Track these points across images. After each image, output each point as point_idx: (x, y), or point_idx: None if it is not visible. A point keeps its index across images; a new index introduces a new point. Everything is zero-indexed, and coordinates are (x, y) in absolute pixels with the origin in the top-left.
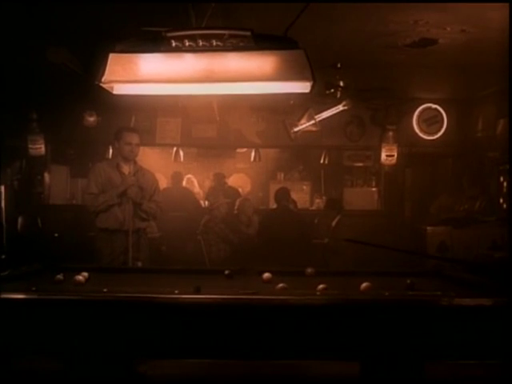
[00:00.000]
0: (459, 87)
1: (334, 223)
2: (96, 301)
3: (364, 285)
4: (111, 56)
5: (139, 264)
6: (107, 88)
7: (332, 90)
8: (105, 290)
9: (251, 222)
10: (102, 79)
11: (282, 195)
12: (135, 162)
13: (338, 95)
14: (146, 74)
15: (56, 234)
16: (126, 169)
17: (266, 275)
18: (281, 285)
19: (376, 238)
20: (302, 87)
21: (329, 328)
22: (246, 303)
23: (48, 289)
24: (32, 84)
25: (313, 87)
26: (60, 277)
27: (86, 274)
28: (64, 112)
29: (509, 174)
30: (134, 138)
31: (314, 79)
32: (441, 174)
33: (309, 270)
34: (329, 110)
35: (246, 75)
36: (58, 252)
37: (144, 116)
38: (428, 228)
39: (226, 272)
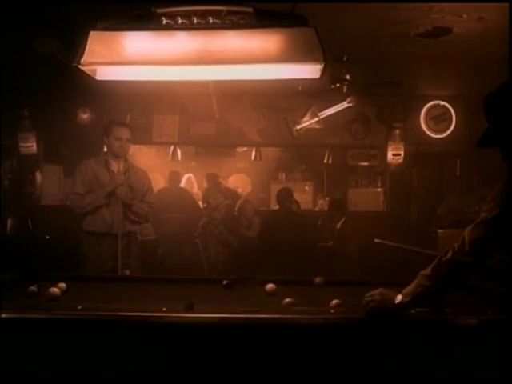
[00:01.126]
0: (471, 82)
1: (338, 225)
2: (65, 320)
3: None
4: (92, 34)
5: (127, 272)
6: (88, 72)
7: (338, 85)
8: (79, 307)
9: (252, 224)
10: (81, 61)
11: (285, 196)
12: (126, 159)
13: (344, 90)
14: (133, 55)
15: (47, 237)
16: (116, 166)
17: (270, 286)
18: (287, 300)
19: (383, 239)
20: (312, 72)
21: (346, 353)
22: (247, 323)
23: (13, 306)
24: (22, 79)
25: (324, 71)
26: (34, 288)
27: (63, 285)
28: (56, 109)
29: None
30: (125, 133)
31: (325, 60)
32: (449, 173)
33: (317, 280)
34: (333, 107)
35: (247, 57)
36: (49, 255)
37: (140, 113)
38: (439, 231)
39: (224, 282)
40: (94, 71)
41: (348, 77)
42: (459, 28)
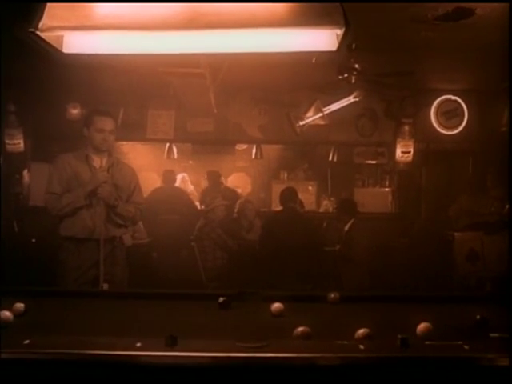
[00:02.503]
0: (487, 75)
1: (346, 228)
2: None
3: (422, 326)
4: None
5: (105, 286)
6: (51, 43)
7: (345, 75)
8: (26, 341)
9: (253, 227)
10: (39, 25)
11: (289, 196)
12: (110, 154)
13: (353, 80)
14: (105, 19)
15: (33, 240)
16: (98, 162)
17: (276, 307)
18: (301, 329)
19: (390, 244)
20: (328, 41)
21: None
22: (248, 365)
23: None
24: (8, 72)
25: (343, 40)
26: None
27: (20, 305)
28: (45, 103)
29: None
30: (108, 124)
31: (347, 25)
32: (460, 172)
33: (332, 296)
34: (338, 102)
35: (247, 20)
36: (33, 260)
37: (133, 108)
38: (456, 234)
39: (221, 300)
40: (60, 42)
41: (357, 66)
42: (482, 9)
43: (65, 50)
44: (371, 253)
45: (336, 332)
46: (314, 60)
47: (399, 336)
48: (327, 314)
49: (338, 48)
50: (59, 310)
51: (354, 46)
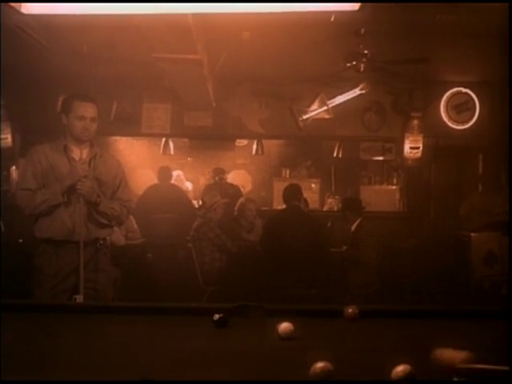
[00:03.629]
0: (503, 65)
1: (353, 227)
2: None
3: (462, 355)
4: None
5: (78, 299)
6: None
7: (354, 63)
8: None
9: (254, 227)
10: None
11: (293, 193)
12: (92, 145)
13: (362, 68)
14: None
15: (20, 240)
16: (78, 153)
17: (284, 327)
18: (320, 365)
19: (398, 244)
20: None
21: None
22: None
23: None
24: None
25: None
26: None
27: None
28: (34, 96)
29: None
30: (89, 110)
31: None
32: (471, 169)
33: (349, 311)
34: (343, 95)
35: None
36: (19, 261)
37: (128, 101)
38: (472, 234)
39: (216, 317)
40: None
41: (366, 53)
42: None
43: (23, 10)
44: (380, 254)
45: (363, 365)
46: (332, 18)
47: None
48: (347, 337)
49: (360, 8)
50: (8, 332)
51: (362, 30)
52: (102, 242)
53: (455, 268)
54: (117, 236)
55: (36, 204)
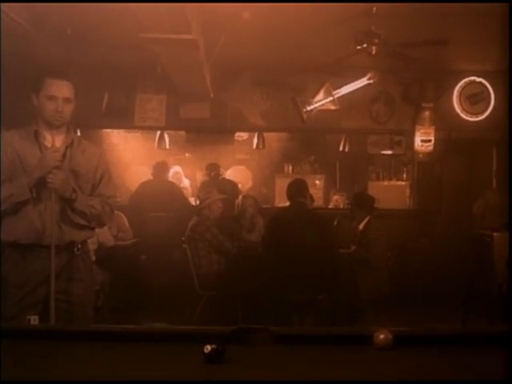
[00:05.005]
0: None
1: (361, 226)
2: None
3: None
4: None
5: (32, 320)
6: None
7: (365, 45)
8: None
9: (255, 226)
10: None
11: (298, 189)
12: (68, 131)
13: (373, 51)
14: None
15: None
16: (50, 140)
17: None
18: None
19: (409, 244)
20: None
21: None
22: None
23: None
24: None
25: None
26: None
27: None
28: (17, 86)
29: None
30: (63, 89)
31: None
32: (486, 164)
33: (381, 337)
34: (350, 85)
35: None
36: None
37: (120, 92)
38: (495, 234)
39: (208, 349)
40: None
41: (378, 34)
42: None
43: None
44: (390, 255)
45: None
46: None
47: None
48: (379, 369)
49: None
50: None
51: (374, 9)
52: (79, 246)
53: (474, 270)
54: (105, 236)
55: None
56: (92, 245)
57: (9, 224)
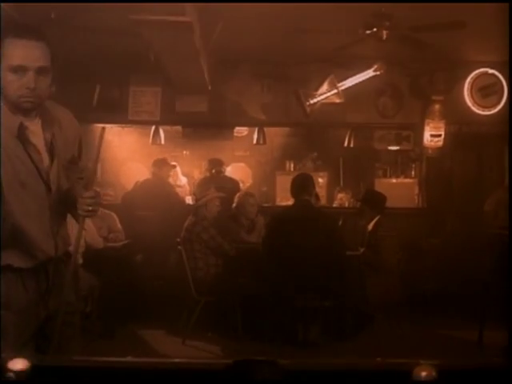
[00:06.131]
0: None
1: (370, 226)
2: None
3: None
4: None
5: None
6: None
7: (374, 29)
8: None
9: (255, 226)
10: None
11: (303, 185)
12: (44, 113)
13: (384, 36)
14: None
15: None
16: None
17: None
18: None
19: (419, 244)
20: None
21: None
22: None
23: None
24: None
25: None
26: None
27: None
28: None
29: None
30: (34, 54)
31: None
32: (498, 159)
33: (423, 374)
34: (356, 76)
35: None
36: None
37: (112, 84)
38: None
39: None
40: None
41: (389, 18)
42: None
43: None
44: (402, 258)
45: None
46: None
47: None
48: None
49: None
50: None
51: None
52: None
53: (491, 273)
54: (94, 237)
55: None
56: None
57: None
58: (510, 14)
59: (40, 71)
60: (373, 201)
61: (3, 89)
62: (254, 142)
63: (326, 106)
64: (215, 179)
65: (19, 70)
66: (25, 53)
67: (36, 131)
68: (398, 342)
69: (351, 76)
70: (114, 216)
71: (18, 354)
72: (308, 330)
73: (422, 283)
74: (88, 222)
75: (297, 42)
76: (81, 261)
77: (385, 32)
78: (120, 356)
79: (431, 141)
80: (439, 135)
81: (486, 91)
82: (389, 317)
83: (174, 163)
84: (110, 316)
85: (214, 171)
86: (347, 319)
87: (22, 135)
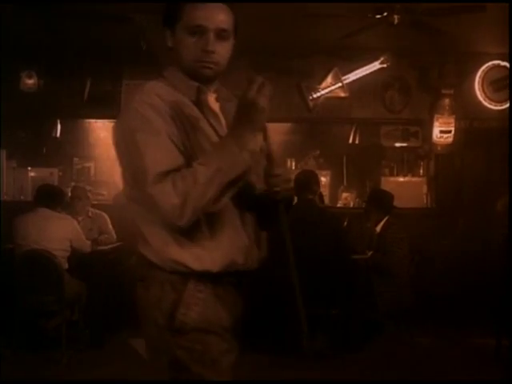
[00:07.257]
0: None
1: (378, 228)
2: None
3: None
4: None
5: None
6: None
7: (385, 14)
8: None
9: None
10: None
11: (306, 183)
12: (220, 89)
13: (396, 21)
14: None
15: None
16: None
17: None
18: None
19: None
20: None
21: None
22: None
23: None
24: None
25: None
26: None
27: None
28: None
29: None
30: (216, 16)
31: None
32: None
33: None
34: (361, 69)
35: None
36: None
37: (104, 78)
38: None
39: None
40: None
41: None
42: None
43: None
44: (412, 261)
45: None
46: None
47: None
48: None
49: None
50: None
51: None
52: None
53: (509, 278)
54: (80, 241)
55: None
56: (63, 252)
57: None
58: (510, 13)
59: (220, 34)
60: (379, 200)
61: (180, 54)
62: None
63: (330, 100)
64: None
65: (198, 30)
66: (205, 13)
67: (213, 103)
68: (408, 352)
69: (356, 69)
70: (106, 216)
71: None
72: (313, 338)
73: (434, 288)
74: (75, 225)
75: (299, 32)
76: (66, 266)
77: (396, 17)
78: (109, 365)
79: (440, 137)
80: (449, 131)
81: (497, 85)
82: (399, 325)
83: None
84: (98, 324)
85: None
86: (354, 328)
87: (200, 101)
